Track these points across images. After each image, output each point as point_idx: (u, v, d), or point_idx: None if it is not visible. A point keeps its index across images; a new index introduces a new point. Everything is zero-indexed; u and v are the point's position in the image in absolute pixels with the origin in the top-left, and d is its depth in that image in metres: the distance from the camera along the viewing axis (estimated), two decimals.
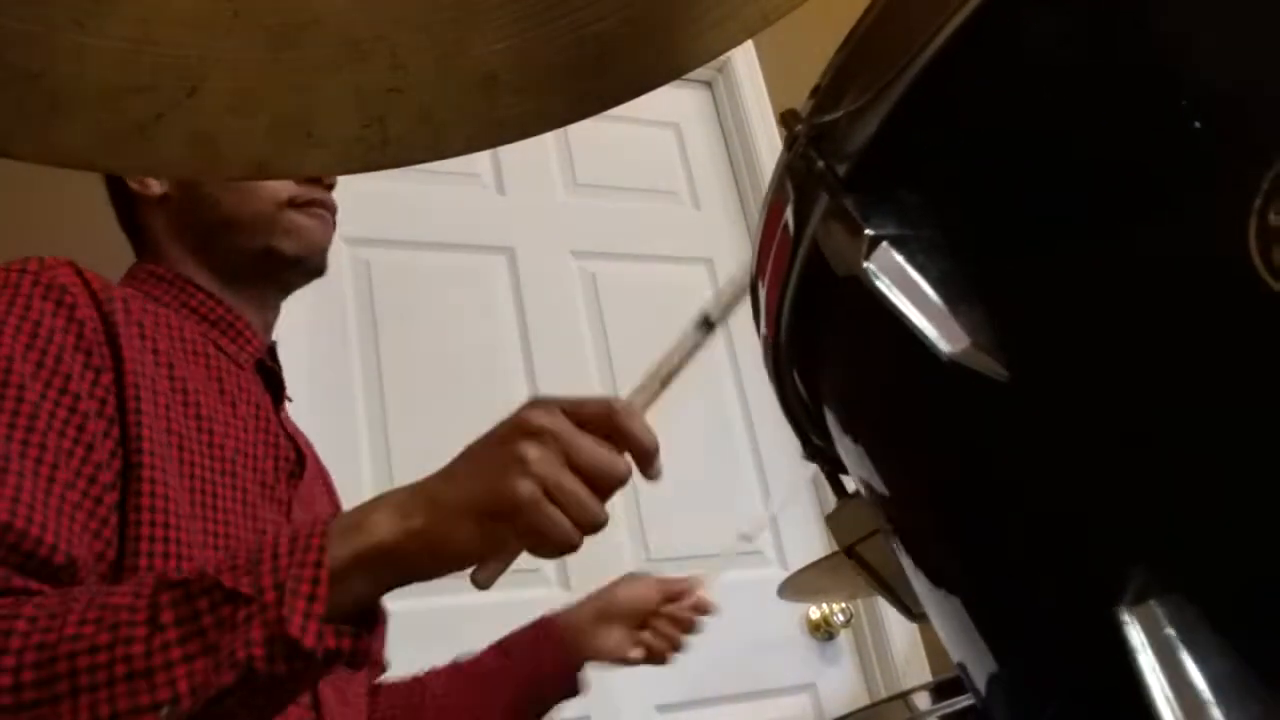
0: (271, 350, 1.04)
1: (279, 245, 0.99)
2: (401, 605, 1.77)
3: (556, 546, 0.66)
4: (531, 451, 0.66)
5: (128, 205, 1.03)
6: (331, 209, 1.03)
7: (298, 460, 0.98)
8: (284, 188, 0.99)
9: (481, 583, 0.67)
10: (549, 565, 1.82)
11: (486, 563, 0.66)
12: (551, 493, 0.66)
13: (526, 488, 0.65)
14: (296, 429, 1.06)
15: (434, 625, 1.68)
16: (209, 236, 0.99)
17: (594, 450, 0.68)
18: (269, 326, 1.05)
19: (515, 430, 0.69)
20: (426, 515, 0.66)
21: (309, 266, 1.02)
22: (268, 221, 0.98)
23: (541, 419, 0.68)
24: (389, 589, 0.67)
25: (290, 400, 1.08)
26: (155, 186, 1.01)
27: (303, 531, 0.65)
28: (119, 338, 0.81)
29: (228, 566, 0.64)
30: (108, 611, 0.63)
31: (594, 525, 0.67)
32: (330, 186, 1.03)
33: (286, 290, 1.06)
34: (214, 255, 0.99)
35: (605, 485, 0.67)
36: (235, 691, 0.61)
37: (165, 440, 0.82)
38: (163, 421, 0.82)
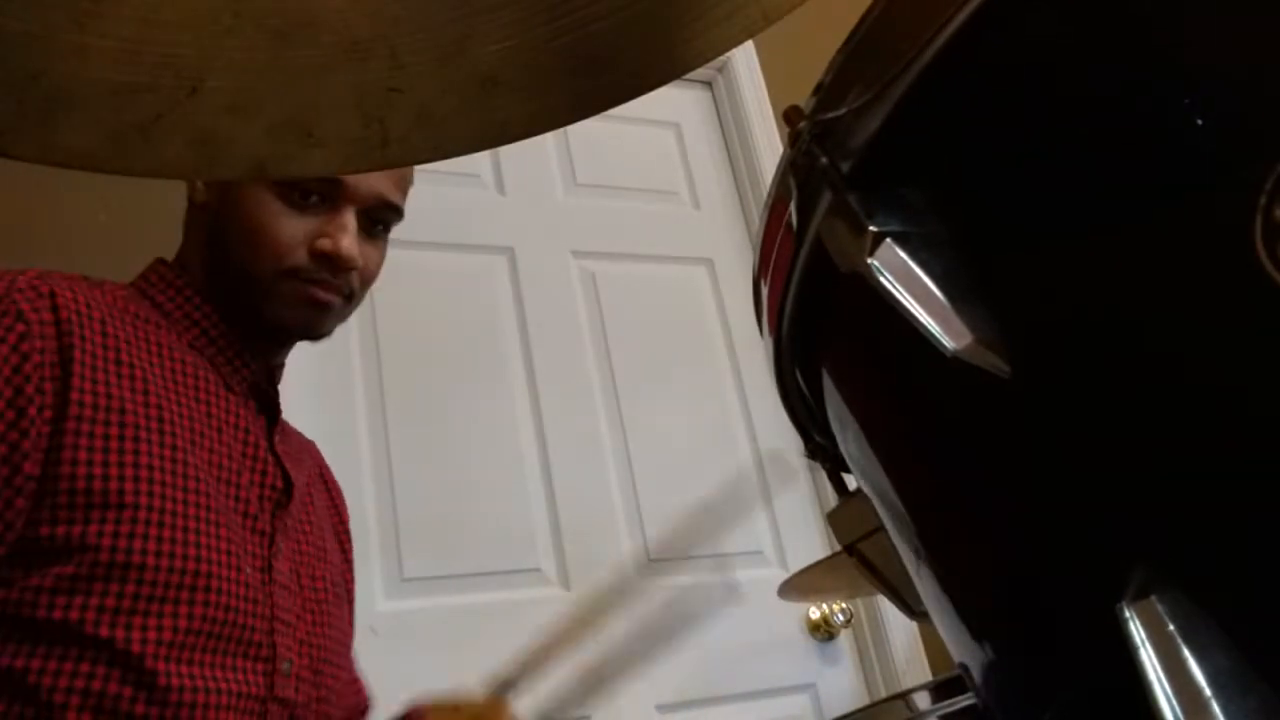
0: (270, 375, 1.02)
1: (266, 309, 0.96)
2: (403, 605, 1.77)
3: None
4: None
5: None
6: (341, 291, 0.97)
7: (285, 490, 0.96)
8: (291, 255, 0.95)
9: None
10: (549, 565, 1.82)
11: None
12: None
13: None
14: (290, 454, 1.02)
15: (436, 624, 1.68)
16: (220, 269, 0.98)
17: None
18: (266, 356, 1.02)
19: None
20: None
21: (292, 336, 0.99)
22: (264, 282, 0.95)
23: None
24: None
25: (288, 423, 1.07)
26: (199, 194, 1.00)
27: None
28: (72, 363, 0.81)
29: None
30: None
31: None
32: (350, 268, 0.97)
33: (283, 344, 1.03)
34: (220, 287, 0.98)
35: None
36: None
37: (134, 463, 0.82)
38: (129, 444, 0.82)
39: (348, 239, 0.95)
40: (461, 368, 1.90)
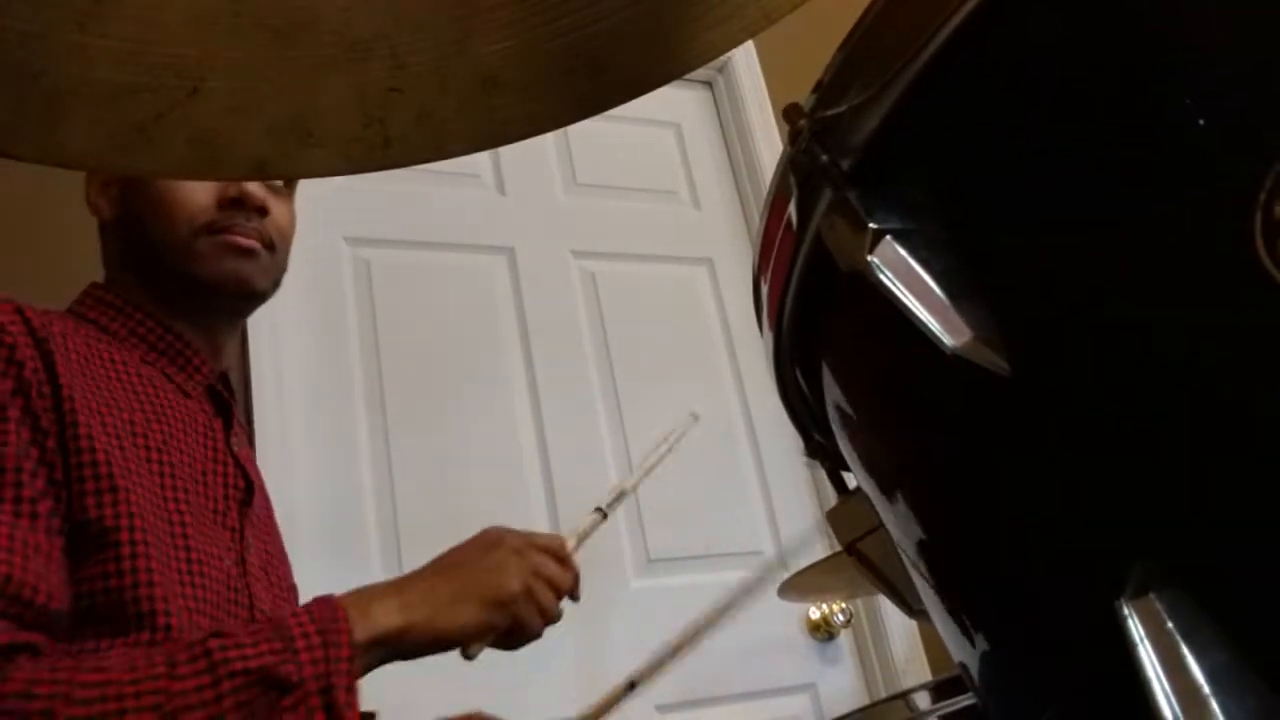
0: (224, 377, 1.04)
1: (195, 271, 0.97)
2: None
3: (530, 633, 0.92)
4: (516, 561, 0.89)
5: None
6: (250, 236, 0.99)
7: (247, 487, 0.98)
8: (202, 212, 0.97)
9: (471, 656, 0.88)
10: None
11: (472, 643, 0.87)
12: (532, 592, 0.90)
13: (516, 585, 0.88)
14: (248, 456, 1.05)
15: None
16: (143, 261, 1.00)
17: (553, 567, 0.93)
18: (220, 352, 1.04)
19: (500, 544, 0.91)
20: (428, 607, 0.83)
21: (229, 293, 1.00)
22: (184, 247, 0.97)
23: (516, 540, 0.92)
24: (382, 664, 0.81)
25: (244, 428, 1.08)
26: (105, 211, 1.02)
27: (329, 622, 0.77)
28: (59, 376, 0.82)
29: (261, 643, 0.74)
30: (172, 693, 0.70)
31: (555, 619, 0.94)
32: (260, 211, 1.00)
33: (234, 315, 1.05)
34: (151, 280, 0.99)
35: (560, 593, 0.94)
36: None
37: (124, 469, 0.83)
38: (116, 452, 0.83)
39: (250, 183, 0.99)
40: (461, 368, 1.90)
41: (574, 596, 0.98)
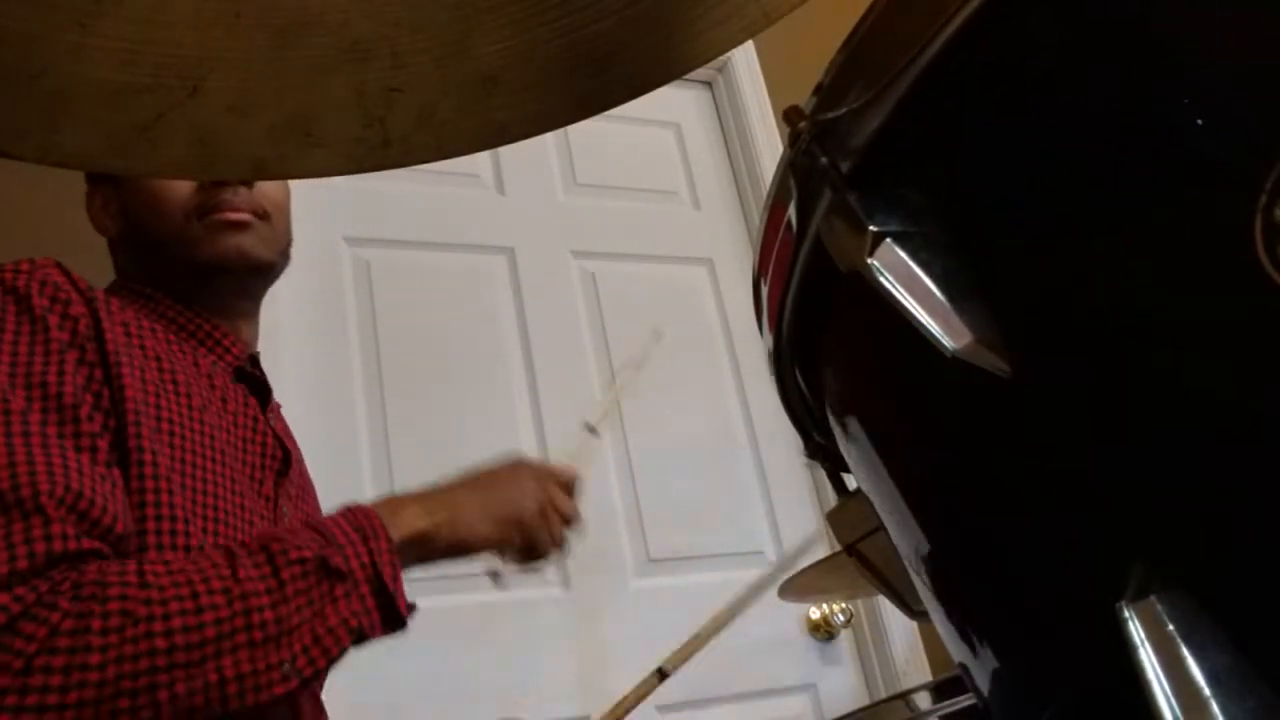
0: (253, 359, 1.05)
1: (196, 256, 0.98)
2: None
3: (541, 552, 0.99)
4: (533, 486, 0.99)
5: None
6: (239, 209, 0.99)
7: (284, 459, 0.99)
8: (187, 199, 0.98)
9: (500, 582, 1.05)
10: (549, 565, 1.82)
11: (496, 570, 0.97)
12: (545, 516, 0.99)
13: (532, 507, 0.97)
14: (286, 431, 1.07)
15: (436, 624, 1.68)
16: (151, 262, 1.01)
17: (564, 498, 1.04)
18: (245, 335, 1.04)
19: (520, 470, 1.02)
20: (450, 515, 0.89)
21: (236, 270, 1.00)
22: (180, 235, 0.98)
23: (536, 468, 1.04)
24: (410, 566, 0.84)
25: (280, 405, 1.08)
26: (110, 227, 1.03)
27: (362, 520, 0.82)
28: (104, 334, 0.84)
29: (307, 539, 0.77)
30: (239, 579, 0.74)
31: (562, 543, 1.03)
32: (243, 183, 1.00)
33: (246, 293, 1.05)
34: (164, 278, 1.00)
35: (568, 521, 1.03)
36: (340, 655, 0.75)
37: (156, 429, 0.84)
38: (153, 410, 0.85)
39: None
40: (461, 368, 1.90)
41: (574, 526, 1.06)
